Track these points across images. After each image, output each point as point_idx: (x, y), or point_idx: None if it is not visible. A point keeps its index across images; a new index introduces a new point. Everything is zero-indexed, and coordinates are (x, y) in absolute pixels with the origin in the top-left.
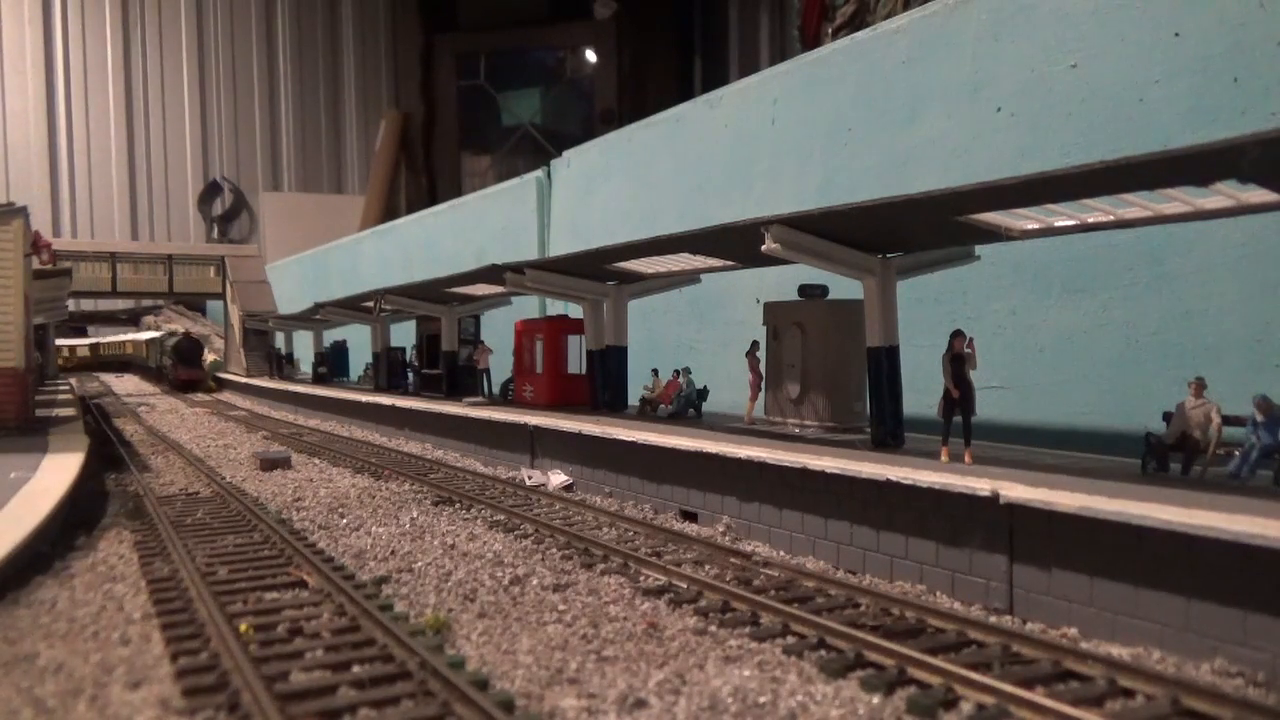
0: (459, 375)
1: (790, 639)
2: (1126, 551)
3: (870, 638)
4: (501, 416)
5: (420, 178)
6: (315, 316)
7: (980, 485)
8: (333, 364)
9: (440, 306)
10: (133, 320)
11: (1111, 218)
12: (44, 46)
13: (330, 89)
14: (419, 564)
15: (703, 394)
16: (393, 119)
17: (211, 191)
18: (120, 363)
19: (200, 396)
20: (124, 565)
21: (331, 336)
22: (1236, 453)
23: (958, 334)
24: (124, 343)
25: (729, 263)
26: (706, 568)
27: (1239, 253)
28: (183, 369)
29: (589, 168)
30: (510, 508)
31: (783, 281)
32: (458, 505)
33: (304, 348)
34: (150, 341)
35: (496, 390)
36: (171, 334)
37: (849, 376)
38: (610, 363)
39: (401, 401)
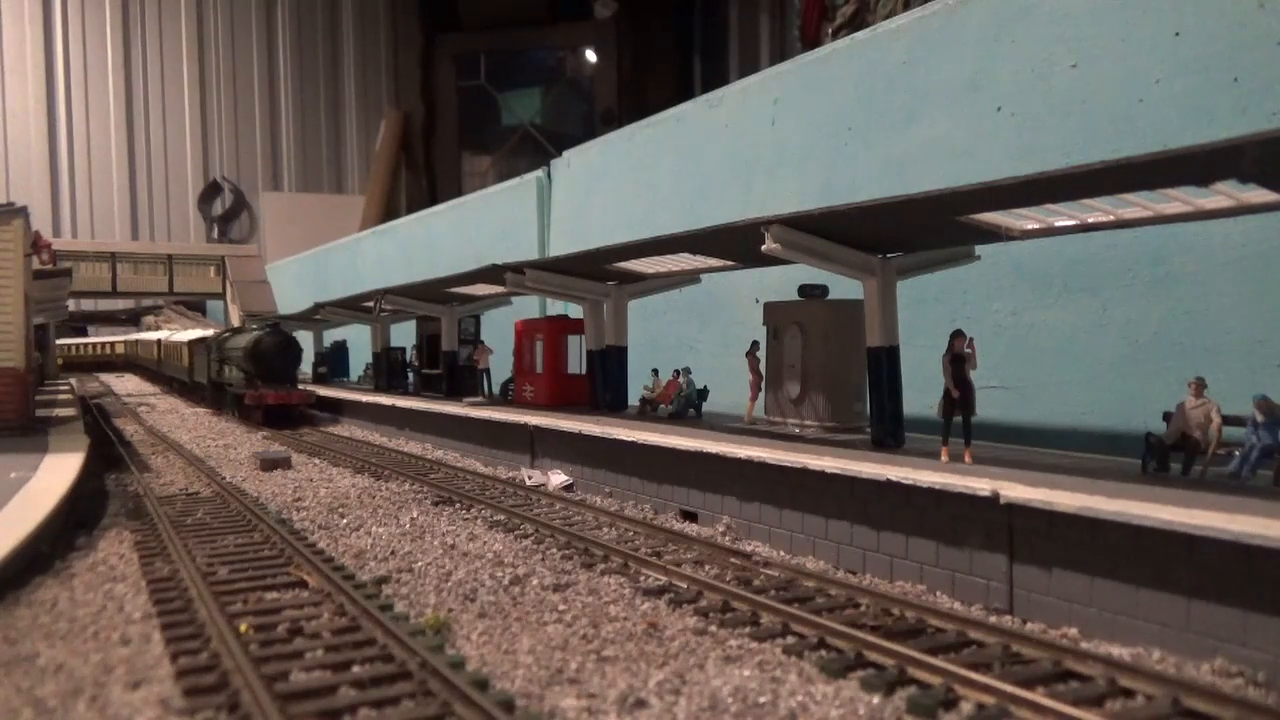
0: (459, 375)
1: (790, 639)
2: (1126, 551)
3: (870, 638)
4: (501, 416)
5: (420, 178)
6: (315, 316)
7: (980, 485)
8: (333, 364)
9: (440, 306)
10: (133, 320)
11: (1111, 218)
12: (44, 46)
13: (330, 89)
14: (419, 564)
15: (703, 394)
16: (393, 119)
17: (211, 191)
18: (116, 365)
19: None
20: (124, 565)
21: (331, 336)
22: (1236, 453)
23: (958, 334)
24: (151, 343)
25: (729, 263)
26: (706, 568)
27: (1239, 253)
28: (270, 387)
29: (589, 168)
30: (510, 508)
31: (783, 281)
32: (458, 505)
33: (304, 348)
34: (196, 344)
35: (496, 390)
36: (237, 329)
37: (849, 376)
38: (610, 363)
39: (402, 401)
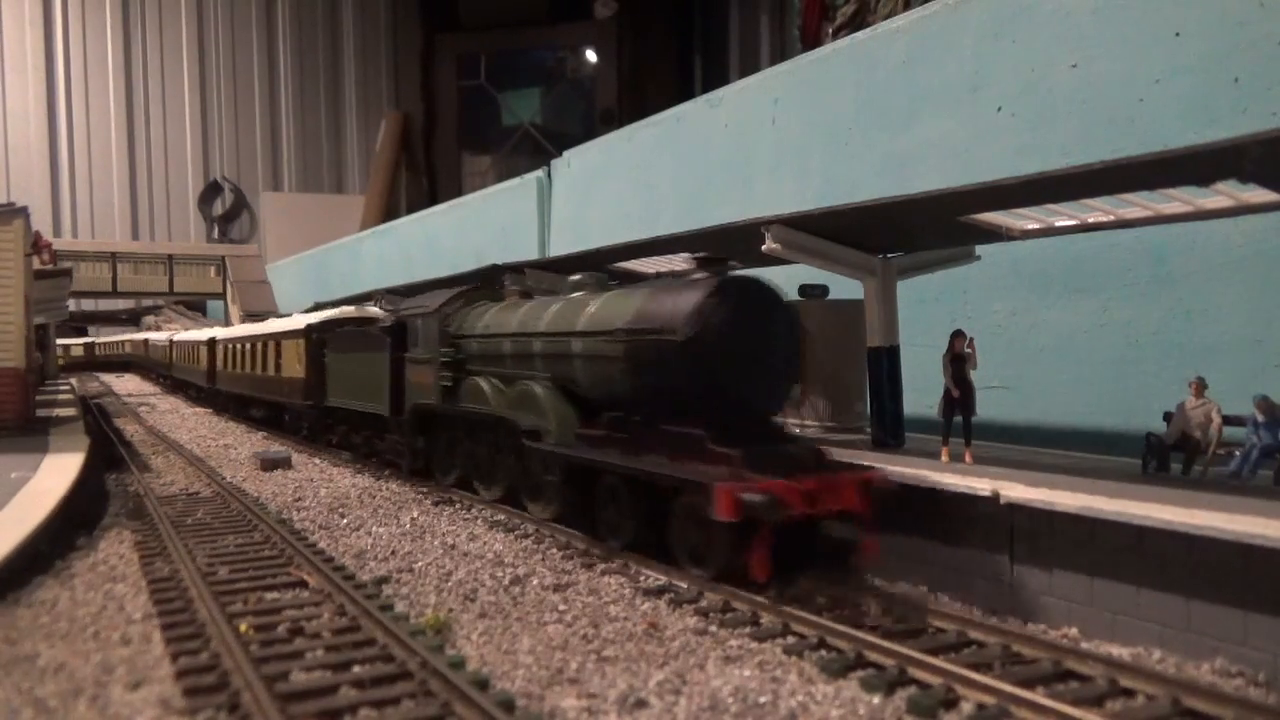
0: None
1: (790, 639)
2: (1126, 551)
3: (870, 638)
4: None
5: (420, 178)
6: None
7: (981, 485)
8: None
9: None
10: (133, 320)
11: (1111, 218)
12: (44, 46)
13: (330, 89)
14: (419, 564)
15: None
16: (393, 119)
17: (212, 191)
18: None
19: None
20: (124, 565)
21: None
22: (1237, 453)
23: (958, 334)
24: (194, 345)
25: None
26: None
27: (1239, 253)
28: (772, 462)
29: (589, 168)
30: (511, 507)
31: (783, 281)
32: (458, 505)
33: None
34: (329, 333)
35: None
36: (544, 289)
37: (849, 376)
38: None
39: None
